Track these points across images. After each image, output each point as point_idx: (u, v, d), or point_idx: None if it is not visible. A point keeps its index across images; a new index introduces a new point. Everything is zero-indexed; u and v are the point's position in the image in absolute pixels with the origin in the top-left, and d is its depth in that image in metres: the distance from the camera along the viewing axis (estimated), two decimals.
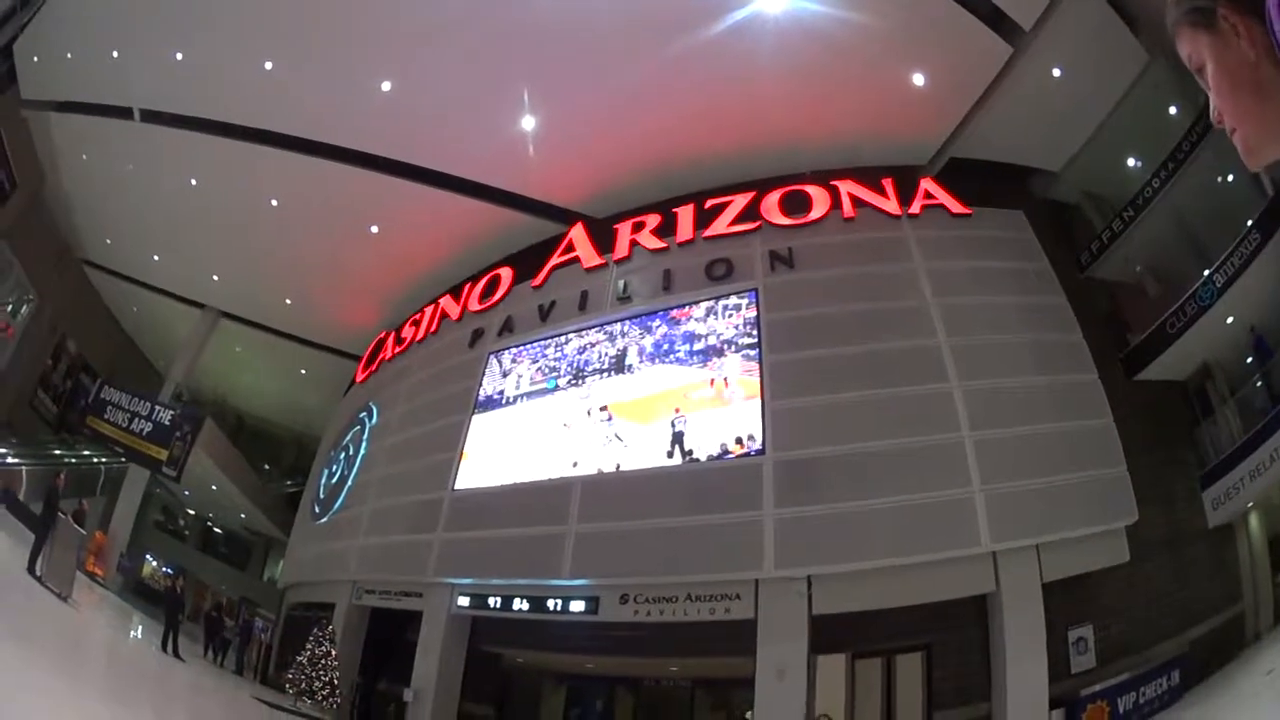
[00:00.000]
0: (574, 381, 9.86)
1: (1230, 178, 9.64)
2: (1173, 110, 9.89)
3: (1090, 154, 10.66)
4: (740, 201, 9.83)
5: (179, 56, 11.94)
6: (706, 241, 9.74)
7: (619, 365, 9.59)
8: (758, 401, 8.39)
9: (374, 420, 12.20)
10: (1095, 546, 7.59)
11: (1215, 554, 8.25)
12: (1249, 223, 8.40)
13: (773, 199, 9.69)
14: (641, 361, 9.47)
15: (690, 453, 8.54)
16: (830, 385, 8.23)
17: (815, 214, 9.37)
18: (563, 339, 10.34)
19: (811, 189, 9.59)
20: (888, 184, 9.44)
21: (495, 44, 9.34)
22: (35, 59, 13.74)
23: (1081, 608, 7.70)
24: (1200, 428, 9.35)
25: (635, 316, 9.63)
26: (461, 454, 9.99)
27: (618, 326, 9.89)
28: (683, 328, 9.41)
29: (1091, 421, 8.19)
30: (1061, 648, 7.56)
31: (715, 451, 8.41)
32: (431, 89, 10.28)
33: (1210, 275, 8.86)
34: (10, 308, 17.37)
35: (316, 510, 12.61)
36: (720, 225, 9.74)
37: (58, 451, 16.70)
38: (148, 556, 17.26)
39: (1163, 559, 8.09)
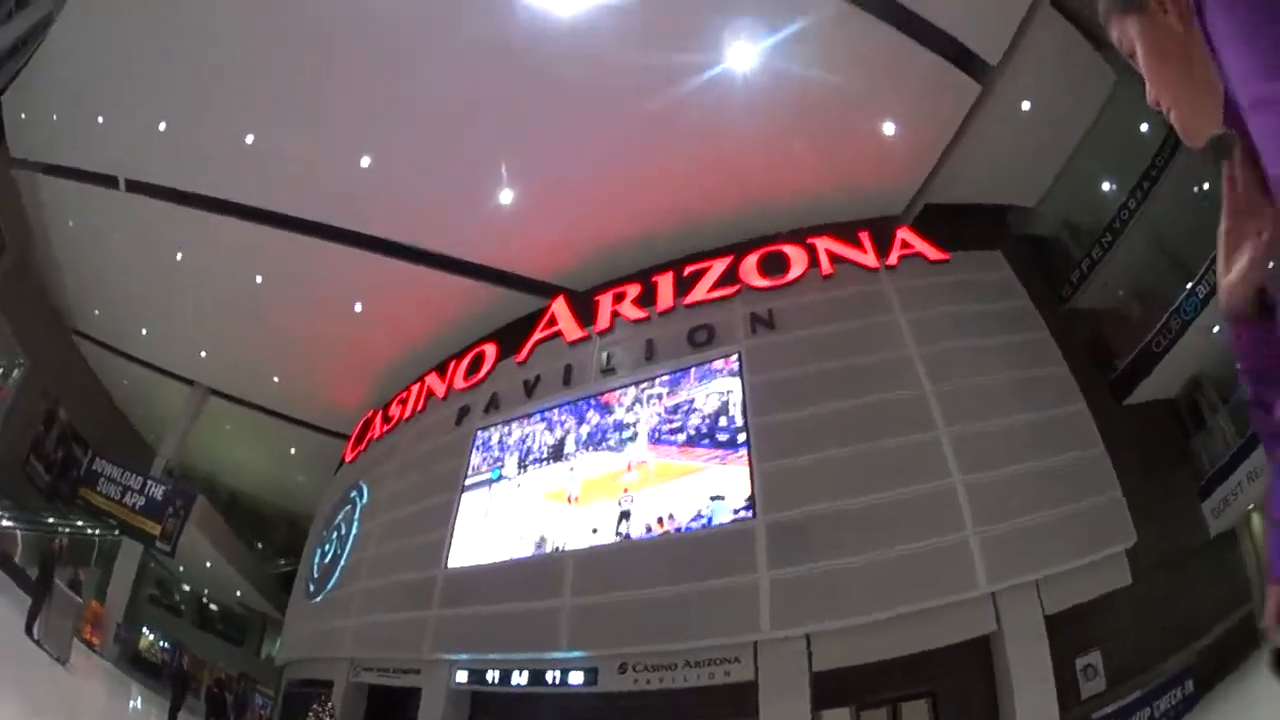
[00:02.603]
0: (521, 467, 10.16)
1: (1206, 186, 9.68)
2: (1144, 127, 9.97)
3: (1065, 184, 10.76)
4: (719, 266, 9.90)
5: (162, 127, 12.02)
6: (687, 309, 9.81)
7: (557, 453, 9.85)
8: (679, 481, 8.64)
9: (365, 499, 12.16)
10: (1096, 573, 7.55)
11: (1219, 561, 8.21)
12: None
13: (751, 261, 9.76)
14: (578, 450, 9.76)
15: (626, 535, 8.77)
16: (818, 443, 8.23)
17: (794, 273, 9.43)
18: (517, 423, 10.54)
19: (789, 248, 9.66)
20: (864, 237, 9.52)
21: (469, 120, 9.47)
22: (23, 116, 13.82)
23: (1088, 634, 7.64)
24: (1194, 440, 9.34)
25: (620, 388, 9.66)
26: (453, 532, 9.96)
27: (555, 414, 10.17)
28: (612, 416, 9.67)
29: (1082, 452, 8.20)
30: (1070, 676, 7.45)
31: (643, 529, 8.59)
32: (409, 165, 10.36)
33: (1192, 288, 8.90)
34: (1, 371, 17.32)
35: (311, 588, 12.52)
36: (700, 291, 9.81)
37: (51, 520, 16.59)
38: (145, 630, 17.09)
39: (1166, 574, 8.02)
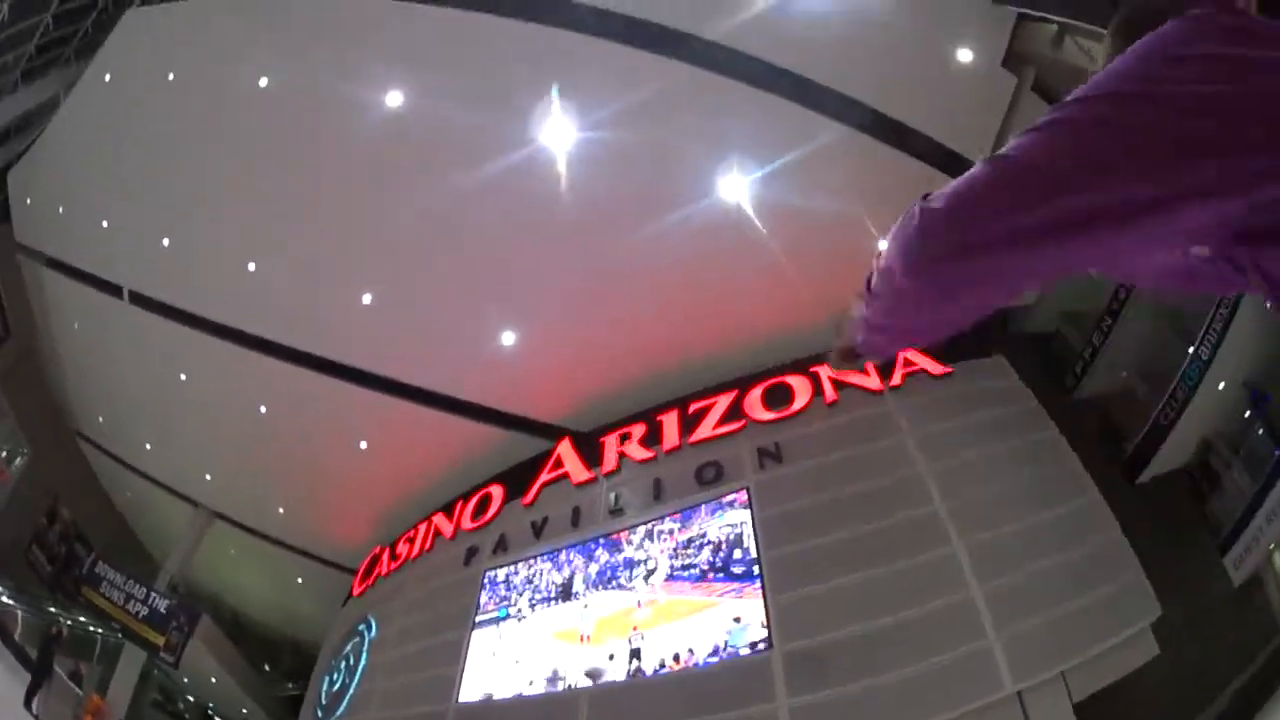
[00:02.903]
0: (531, 606, 10.07)
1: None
2: None
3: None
4: (723, 402, 9.92)
5: (165, 243, 12.11)
6: (693, 447, 9.78)
7: (566, 593, 9.77)
8: (695, 618, 8.54)
9: (373, 633, 11.98)
10: (1121, 652, 7.33)
11: (1244, 606, 8.12)
12: None
13: (755, 395, 9.77)
14: (588, 588, 9.65)
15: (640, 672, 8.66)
16: (832, 571, 8.14)
17: (798, 404, 9.43)
18: (524, 564, 10.47)
19: (792, 379, 9.68)
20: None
21: (468, 259, 9.62)
22: (28, 201, 13.83)
23: (1118, 712, 7.42)
24: (1210, 500, 9.23)
25: (629, 528, 9.59)
26: (464, 668, 9.79)
27: (563, 554, 10.08)
28: (622, 554, 9.58)
29: (1100, 537, 8.07)
30: None
31: (657, 666, 8.49)
32: (409, 303, 10.47)
33: (1195, 352, 8.91)
34: (5, 454, 17.23)
35: (320, 715, 12.28)
36: (706, 428, 9.81)
37: (52, 609, 16.33)
38: None
39: (1191, 634, 7.81)
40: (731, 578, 8.54)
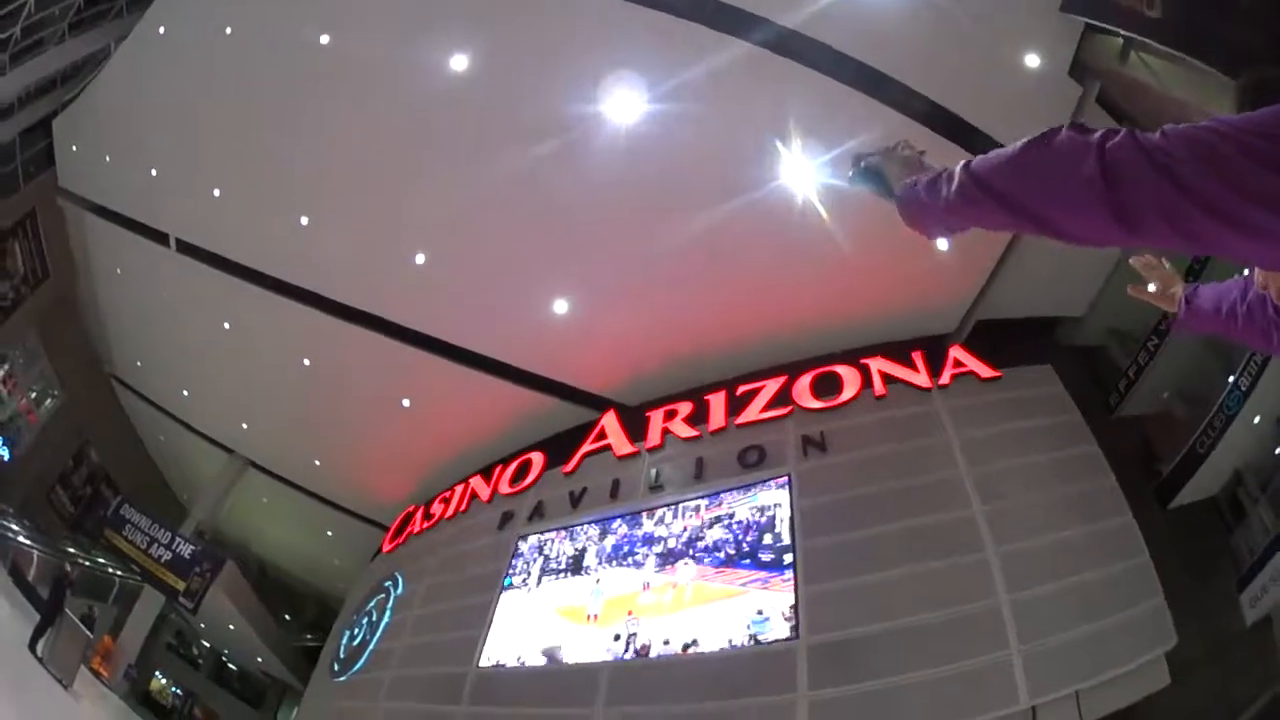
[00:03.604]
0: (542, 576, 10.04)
1: (1245, 271, 9.59)
2: None
3: (1111, 291, 10.68)
4: (772, 387, 9.86)
5: (216, 193, 12.18)
6: (739, 429, 9.72)
7: (576, 566, 9.73)
8: (710, 606, 8.49)
9: (399, 590, 12.07)
10: (1135, 678, 7.25)
11: (1254, 646, 7.96)
12: None
13: (804, 382, 9.72)
14: (600, 564, 9.59)
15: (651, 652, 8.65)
16: (865, 566, 8.10)
17: (846, 395, 9.37)
18: (555, 534, 10.44)
19: (842, 369, 9.62)
20: (917, 357, 9.46)
21: (527, 227, 9.58)
22: (74, 148, 13.84)
23: None
24: (1235, 533, 9.13)
25: (669, 504, 9.57)
26: (488, 632, 9.84)
27: (582, 528, 10.04)
28: (642, 529, 9.49)
29: (1128, 561, 7.96)
30: None
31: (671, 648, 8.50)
32: (464, 267, 10.46)
33: (1235, 381, 8.76)
34: (35, 395, 17.51)
35: (336, 668, 12.39)
36: (752, 412, 9.75)
37: (71, 550, 16.61)
38: (157, 673, 16.95)
39: (1203, 669, 7.80)
40: (759, 565, 8.51)
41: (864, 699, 7.44)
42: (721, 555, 8.84)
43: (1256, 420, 8.76)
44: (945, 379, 9.22)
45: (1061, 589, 7.75)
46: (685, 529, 9.22)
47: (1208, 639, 7.90)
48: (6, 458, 15.72)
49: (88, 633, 10.99)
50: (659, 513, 9.56)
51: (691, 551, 9.01)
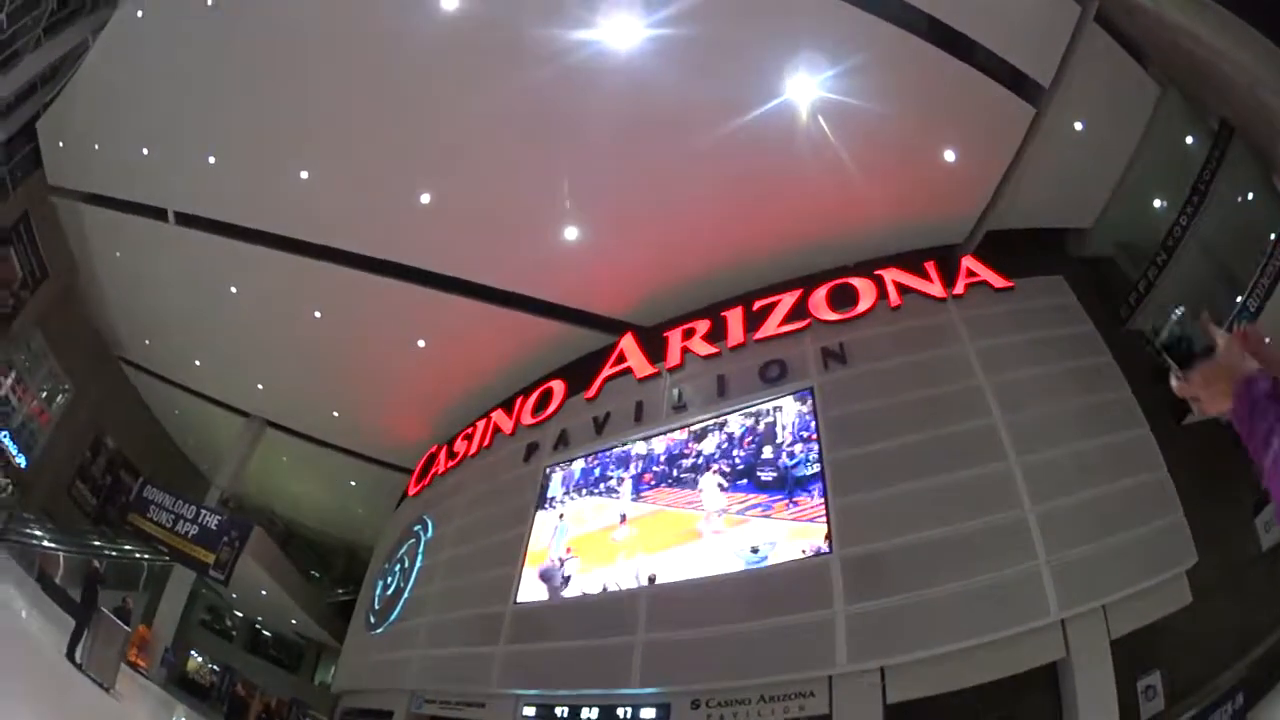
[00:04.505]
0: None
1: (1250, 196, 9.62)
2: (1189, 140, 9.88)
3: (1119, 203, 10.66)
4: (788, 300, 9.88)
5: (211, 160, 12.08)
6: (758, 344, 9.75)
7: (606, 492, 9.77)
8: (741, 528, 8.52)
9: (429, 533, 12.14)
10: (1158, 595, 7.48)
11: (1272, 575, 8.07)
12: (1272, 236, 8.36)
13: (820, 295, 9.74)
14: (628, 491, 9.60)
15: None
16: (892, 477, 8.17)
17: (863, 306, 9.39)
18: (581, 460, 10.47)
19: (857, 281, 9.63)
20: (930, 267, 9.47)
21: (531, 156, 9.49)
22: (60, 144, 13.72)
23: (1148, 655, 7.55)
24: (1248, 456, 9.20)
25: (692, 424, 9.61)
26: (523, 568, 9.95)
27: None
28: (666, 453, 9.53)
29: (1147, 475, 8.06)
30: (1131, 698, 7.34)
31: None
32: (471, 201, 10.38)
33: (1244, 302, 8.72)
34: (45, 395, 17.54)
35: (372, 620, 12.53)
36: (770, 326, 9.77)
37: (97, 543, 16.71)
38: (193, 652, 17.15)
39: (1222, 592, 7.87)
40: (782, 485, 8.56)
41: (899, 613, 7.54)
42: (748, 474, 8.89)
43: (1268, 341, 8.80)
44: (959, 289, 9.24)
45: (1083, 500, 7.83)
46: (712, 448, 9.24)
47: (1224, 563, 7.93)
48: (24, 464, 15.72)
49: (124, 626, 10.95)
50: (684, 434, 9.58)
51: (720, 472, 9.05)
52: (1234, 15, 7.36)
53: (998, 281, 9.31)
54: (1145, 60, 9.06)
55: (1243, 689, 7.21)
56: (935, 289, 9.26)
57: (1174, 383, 1.50)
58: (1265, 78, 7.60)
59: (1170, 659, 7.59)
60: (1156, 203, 11.11)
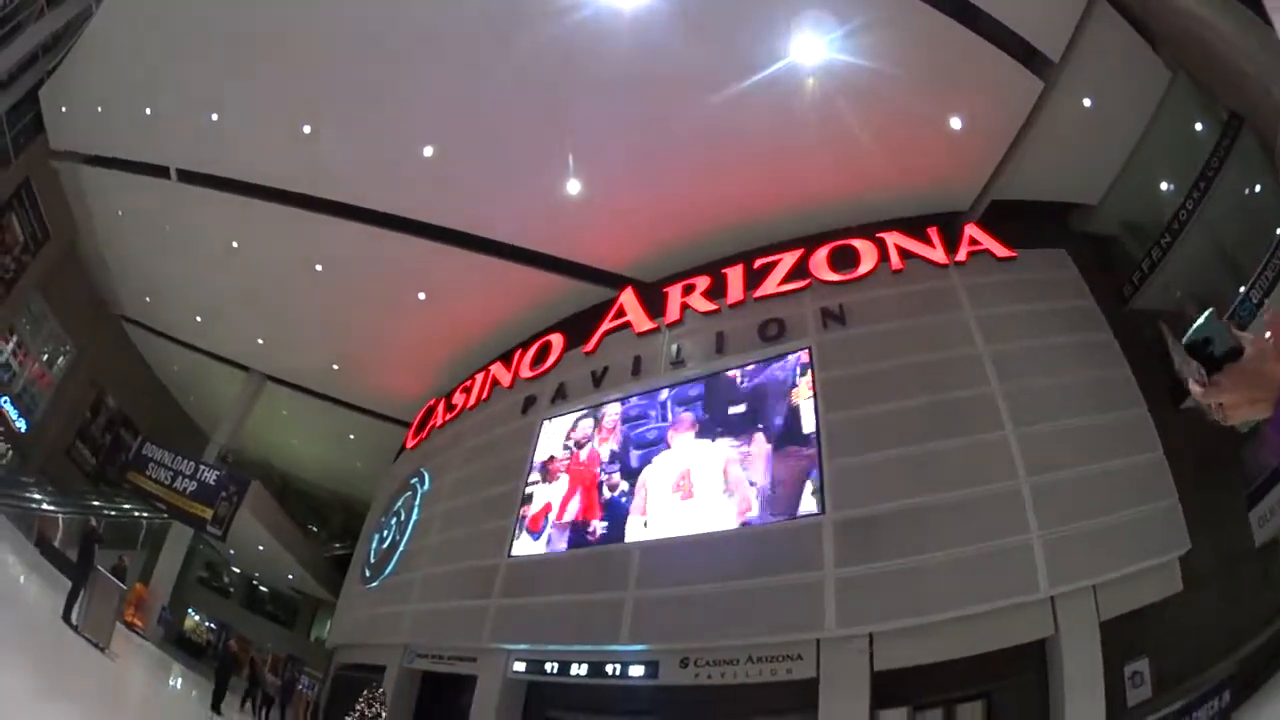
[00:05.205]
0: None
1: (1258, 188, 9.55)
2: (1198, 126, 9.80)
3: (1125, 183, 10.57)
4: (789, 260, 9.86)
5: (214, 118, 12.07)
6: (757, 302, 9.75)
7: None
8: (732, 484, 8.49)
9: (426, 486, 12.20)
10: (1149, 579, 7.46)
11: (1263, 570, 7.92)
12: (1278, 230, 8.33)
13: (821, 255, 9.71)
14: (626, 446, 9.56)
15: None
16: (887, 440, 8.17)
17: (864, 268, 9.37)
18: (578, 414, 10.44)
19: (859, 243, 9.60)
20: (933, 233, 9.43)
21: (535, 109, 9.44)
22: (63, 109, 13.75)
23: (1137, 641, 7.52)
24: (1245, 446, 9.18)
25: (689, 381, 9.61)
26: (517, 521, 9.99)
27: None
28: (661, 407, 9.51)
29: (1143, 456, 8.04)
30: (1118, 683, 7.33)
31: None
32: (473, 155, 10.37)
33: (1247, 291, 8.68)
34: (46, 357, 17.63)
35: (367, 574, 12.61)
36: (770, 285, 9.76)
37: (96, 502, 16.79)
38: (190, 611, 17.27)
39: (1213, 583, 7.83)
40: (779, 438, 8.53)
41: (889, 579, 7.56)
42: (743, 431, 8.87)
43: (1267, 336, 8.74)
44: (961, 256, 9.21)
45: (1078, 476, 7.82)
46: (706, 404, 9.25)
47: (1217, 555, 7.88)
48: (24, 428, 15.76)
49: (120, 584, 10.92)
50: (677, 389, 9.60)
51: (712, 427, 9.05)
52: (1243, 5, 7.28)
53: (1000, 250, 9.27)
54: (1156, 44, 8.95)
55: (1229, 686, 7.17)
56: (938, 254, 9.23)
57: (1194, 388, 1.37)
58: (1273, 70, 7.51)
59: (1158, 647, 7.54)
60: (1163, 185, 11.04)
